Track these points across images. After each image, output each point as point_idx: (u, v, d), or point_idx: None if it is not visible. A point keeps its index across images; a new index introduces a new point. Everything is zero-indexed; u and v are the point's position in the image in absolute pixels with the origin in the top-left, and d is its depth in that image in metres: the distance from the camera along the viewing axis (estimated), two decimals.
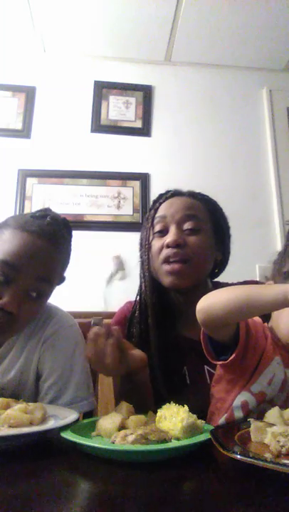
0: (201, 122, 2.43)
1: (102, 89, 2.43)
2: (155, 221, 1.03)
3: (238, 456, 0.48)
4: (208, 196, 1.11)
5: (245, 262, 2.18)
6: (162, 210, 1.04)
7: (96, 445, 0.56)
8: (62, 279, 0.99)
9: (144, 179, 2.29)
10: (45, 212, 0.94)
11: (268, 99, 2.48)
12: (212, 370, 0.98)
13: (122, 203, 2.25)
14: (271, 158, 2.38)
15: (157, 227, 1.02)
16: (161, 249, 1.00)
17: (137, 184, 2.29)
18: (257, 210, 2.31)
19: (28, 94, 2.35)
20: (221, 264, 1.12)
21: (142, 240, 1.09)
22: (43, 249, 0.87)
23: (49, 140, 2.31)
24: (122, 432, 0.60)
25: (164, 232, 1.01)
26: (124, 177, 2.30)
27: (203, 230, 1.02)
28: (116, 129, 2.38)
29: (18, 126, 2.31)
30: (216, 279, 1.14)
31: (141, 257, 1.08)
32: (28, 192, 2.20)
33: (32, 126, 2.32)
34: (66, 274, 1.02)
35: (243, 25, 2.22)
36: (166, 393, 0.89)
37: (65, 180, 2.25)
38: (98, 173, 2.28)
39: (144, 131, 2.39)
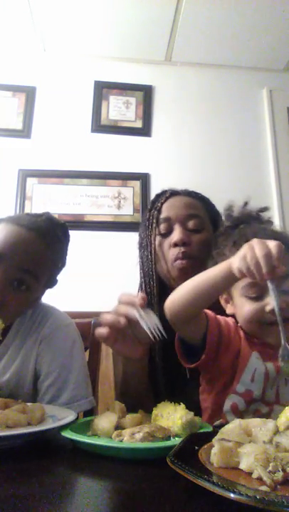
0: (201, 122, 2.43)
1: (102, 89, 2.43)
2: (160, 222, 1.05)
3: (232, 496, 0.38)
4: (201, 194, 1.14)
5: None
6: (165, 211, 1.06)
7: (109, 444, 0.58)
8: (53, 281, 0.99)
9: (144, 179, 2.29)
10: (44, 213, 0.96)
11: (268, 99, 2.47)
12: None
13: (122, 203, 2.25)
14: (271, 158, 2.38)
15: (162, 229, 1.05)
16: (168, 249, 1.02)
17: (137, 184, 2.29)
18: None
19: (28, 94, 2.35)
20: None
21: (142, 240, 1.09)
22: (30, 241, 0.87)
23: (49, 140, 2.31)
24: (129, 431, 0.61)
25: (168, 234, 1.04)
26: (124, 177, 2.29)
27: (206, 229, 1.05)
28: (116, 129, 2.38)
29: (18, 126, 2.31)
30: None
31: (141, 257, 1.09)
32: (28, 192, 2.20)
33: (32, 126, 2.32)
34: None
35: (243, 25, 2.21)
36: (166, 388, 0.91)
37: (65, 180, 2.25)
38: (98, 173, 2.28)
39: (144, 131, 2.39)
